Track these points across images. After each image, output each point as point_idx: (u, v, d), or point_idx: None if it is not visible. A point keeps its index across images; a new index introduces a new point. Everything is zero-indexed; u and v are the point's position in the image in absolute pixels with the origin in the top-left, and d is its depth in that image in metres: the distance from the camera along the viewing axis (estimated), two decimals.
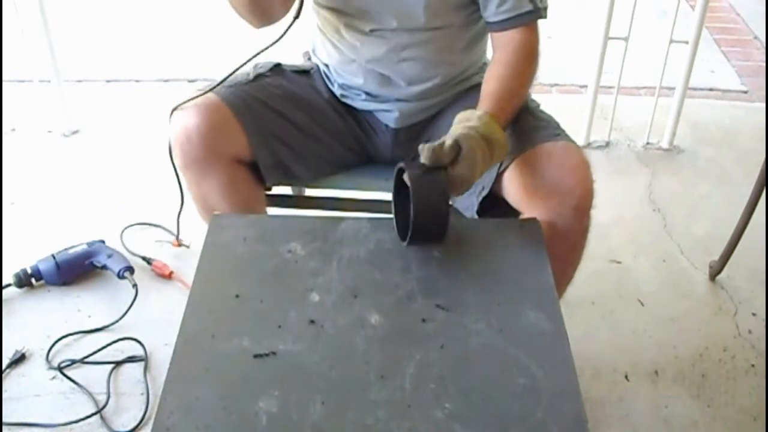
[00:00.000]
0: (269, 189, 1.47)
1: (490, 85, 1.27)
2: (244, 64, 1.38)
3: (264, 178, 1.39)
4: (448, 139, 1.10)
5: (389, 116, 1.46)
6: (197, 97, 1.33)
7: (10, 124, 2.54)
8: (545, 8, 1.31)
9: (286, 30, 1.28)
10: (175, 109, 1.33)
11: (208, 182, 1.32)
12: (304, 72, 1.50)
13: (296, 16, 1.27)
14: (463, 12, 1.36)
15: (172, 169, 1.37)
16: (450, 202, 1.11)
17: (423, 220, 1.06)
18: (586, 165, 1.26)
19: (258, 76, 1.42)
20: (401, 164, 1.11)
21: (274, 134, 1.37)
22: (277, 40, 1.27)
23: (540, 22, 1.32)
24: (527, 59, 1.30)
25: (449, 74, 1.44)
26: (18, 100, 2.62)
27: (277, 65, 1.47)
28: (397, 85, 1.42)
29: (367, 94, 1.45)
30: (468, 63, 1.46)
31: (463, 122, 1.16)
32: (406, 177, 1.08)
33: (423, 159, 1.07)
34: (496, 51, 1.33)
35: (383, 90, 1.42)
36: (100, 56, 3.10)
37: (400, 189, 1.13)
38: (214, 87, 1.36)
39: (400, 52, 1.37)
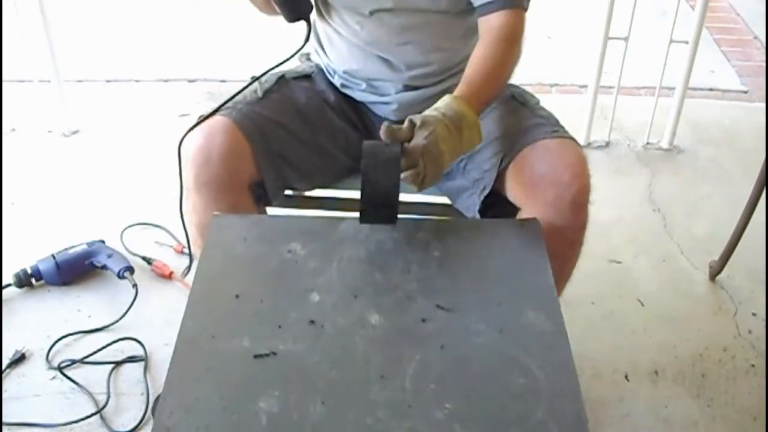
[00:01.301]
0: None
1: (469, 67, 1.30)
2: (252, 82, 1.38)
3: (269, 198, 1.39)
4: (406, 121, 1.15)
5: (388, 108, 1.47)
6: (209, 116, 1.32)
7: (10, 124, 2.55)
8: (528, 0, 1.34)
9: (296, 52, 1.32)
10: (188, 132, 1.32)
11: (219, 206, 1.31)
12: (306, 77, 1.50)
13: (306, 40, 1.29)
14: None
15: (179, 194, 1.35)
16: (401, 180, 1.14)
17: (371, 197, 1.10)
18: (583, 160, 1.27)
19: (266, 93, 1.41)
20: (364, 144, 1.13)
21: (282, 155, 1.38)
22: (287, 59, 1.32)
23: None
24: (508, 42, 1.31)
25: (446, 61, 1.45)
26: (18, 100, 2.62)
27: (282, 77, 1.46)
28: (398, 68, 1.43)
29: (367, 83, 1.46)
30: (464, 53, 1.46)
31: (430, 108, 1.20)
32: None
33: (381, 134, 1.12)
34: (480, 36, 1.34)
35: (383, 73, 1.43)
36: (100, 56, 3.10)
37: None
38: (223, 105, 1.35)
39: (400, 34, 1.39)
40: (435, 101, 1.47)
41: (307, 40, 1.30)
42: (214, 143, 1.28)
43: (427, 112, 1.18)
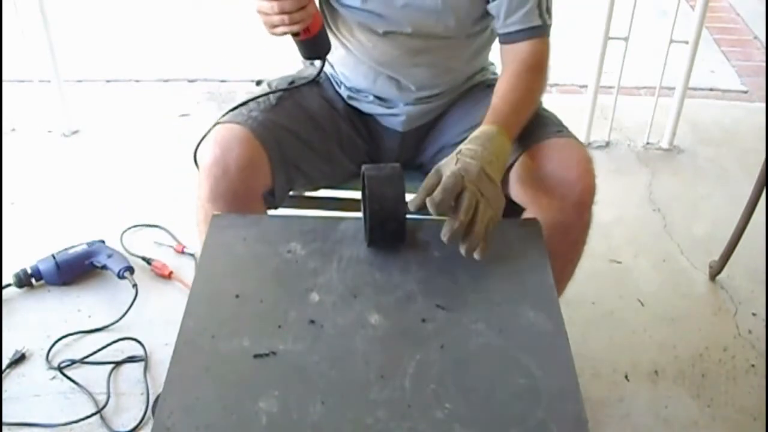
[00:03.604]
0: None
1: (497, 96, 1.27)
2: (263, 95, 1.38)
3: (277, 203, 1.39)
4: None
5: (396, 120, 1.46)
6: (222, 119, 1.31)
7: (10, 124, 2.55)
8: (550, 26, 1.32)
9: (309, 82, 1.30)
10: (202, 140, 1.30)
11: None
12: (314, 82, 1.48)
13: (318, 74, 1.26)
14: (477, 23, 1.37)
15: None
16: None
17: (379, 221, 1.08)
18: (588, 161, 1.27)
19: (279, 99, 1.39)
20: (363, 168, 1.11)
21: (294, 163, 1.37)
22: (299, 85, 1.33)
23: None
24: (534, 71, 1.30)
25: (455, 80, 1.46)
26: (18, 100, 2.62)
27: (292, 82, 1.45)
28: (406, 88, 1.42)
29: (375, 96, 1.45)
30: (472, 70, 1.48)
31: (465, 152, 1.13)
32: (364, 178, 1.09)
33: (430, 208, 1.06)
34: (506, 65, 1.33)
35: (392, 93, 1.43)
36: (100, 56, 3.10)
37: (365, 193, 1.13)
38: (232, 110, 1.34)
39: (413, 57, 1.37)
40: (441, 111, 1.48)
41: (319, 74, 1.25)
42: (232, 155, 1.26)
43: (463, 152, 1.11)
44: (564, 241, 1.23)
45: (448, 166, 1.09)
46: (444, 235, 1.06)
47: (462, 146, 1.13)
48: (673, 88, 2.46)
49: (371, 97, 1.45)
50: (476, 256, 1.07)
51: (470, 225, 1.05)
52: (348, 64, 1.43)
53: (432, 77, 1.42)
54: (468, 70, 1.47)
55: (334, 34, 1.42)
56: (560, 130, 1.33)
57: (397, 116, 1.45)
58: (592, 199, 1.25)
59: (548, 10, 1.31)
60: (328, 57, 1.46)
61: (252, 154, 1.28)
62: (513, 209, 1.33)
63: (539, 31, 1.30)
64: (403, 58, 1.37)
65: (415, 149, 1.51)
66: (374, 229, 1.09)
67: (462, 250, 1.06)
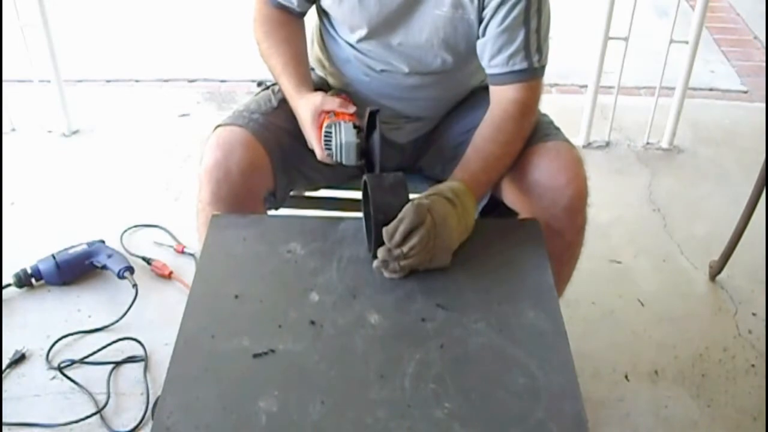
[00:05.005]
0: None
1: (473, 149, 1.25)
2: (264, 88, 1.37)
3: (278, 204, 1.39)
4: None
5: (396, 133, 1.46)
6: (223, 121, 1.31)
7: (10, 124, 2.54)
8: (542, 67, 1.26)
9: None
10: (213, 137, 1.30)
11: None
12: (316, 89, 1.48)
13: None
14: (473, 57, 1.33)
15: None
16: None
17: (385, 224, 1.06)
18: (578, 163, 1.26)
19: (281, 102, 1.39)
20: (365, 177, 1.11)
21: (295, 166, 1.37)
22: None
23: None
24: (516, 119, 1.25)
25: (453, 99, 1.46)
26: (18, 100, 2.62)
27: None
28: (405, 115, 1.43)
29: None
30: (476, 81, 1.46)
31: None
32: (368, 188, 1.09)
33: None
34: (490, 107, 1.29)
35: (391, 118, 1.42)
36: (100, 56, 3.10)
37: (367, 202, 1.13)
38: (241, 112, 1.34)
39: (410, 92, 1.37)
40: (440, 120, 1.47)
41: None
42: (233, 157, 1.25)
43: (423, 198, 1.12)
44: (558, 244, 1.23)
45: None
46: (376, 261, 1.07)
47: (430, 191, 1.14)
48: (673, 88, 2.46)
49: None
50: (385, 274, 1.09)
51: (403, 257, 1.06)
52: (348, 93, 1.42)
53: (431, 106, 1.42)
54: (469, 87, 1.46)
55: (333, 64, 1.42)
56: (548, 133, 1.31)
57: (397, 130, 1.46)
58: (583, 202, 1.24)
59: (539, 50, 1.24)
60: (329, 78, 1.47)
61: (253, 156, 1.27)
62: (507, 214, 1.33)
63: (524, 75, 1.25)
64: (401, 92, 1.37)
65: (415, 154, 1.51)
66: (379, 238, 1.07)
67: (375, 263, 1.07)
